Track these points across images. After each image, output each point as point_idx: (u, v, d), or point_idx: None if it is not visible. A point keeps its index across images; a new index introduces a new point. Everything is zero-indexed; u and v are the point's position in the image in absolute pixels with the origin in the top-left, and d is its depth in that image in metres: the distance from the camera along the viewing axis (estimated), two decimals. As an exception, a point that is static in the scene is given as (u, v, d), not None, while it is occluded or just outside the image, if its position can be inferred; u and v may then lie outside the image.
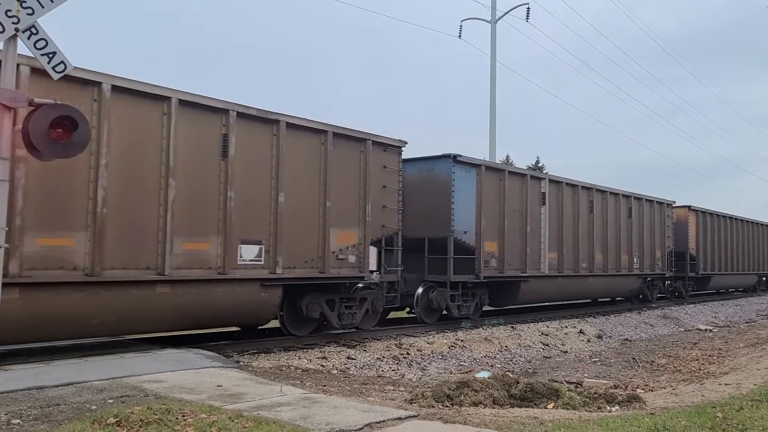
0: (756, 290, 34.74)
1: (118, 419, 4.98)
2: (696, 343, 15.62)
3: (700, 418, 6.04)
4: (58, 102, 5.77)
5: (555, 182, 17.97)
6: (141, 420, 4.97)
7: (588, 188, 19.23)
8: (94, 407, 5.74)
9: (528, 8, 28.05)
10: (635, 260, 21.41)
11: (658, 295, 24.48)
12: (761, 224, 34.25)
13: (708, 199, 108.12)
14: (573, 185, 18.59)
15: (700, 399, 7.52)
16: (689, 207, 25.71)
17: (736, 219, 30.08)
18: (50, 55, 5.65)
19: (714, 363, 12.39)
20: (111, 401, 6.00)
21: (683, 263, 25.96)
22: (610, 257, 19.97)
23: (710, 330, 18.77)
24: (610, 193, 20.28)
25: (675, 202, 24.76)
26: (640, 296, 23.49)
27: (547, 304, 19.66)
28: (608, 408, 7.36)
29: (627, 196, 21.14)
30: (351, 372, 10.03)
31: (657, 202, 23.10)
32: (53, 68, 5.68)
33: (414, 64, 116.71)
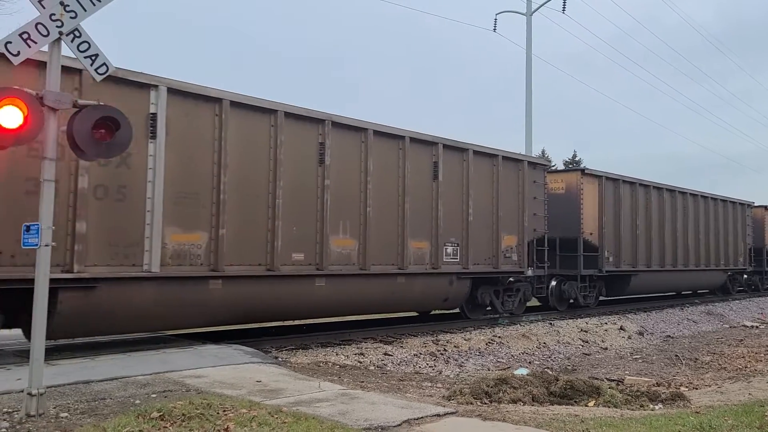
0: (729, 292, 27.84)
1: (161, 413, 5.08)
2: (742, 340, 15.18)
3: (748, 417, 5.86)
4: (101, 103, 5.88)
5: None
6: (183, 414, 5.06)
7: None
8: (138, 401, 5.87)
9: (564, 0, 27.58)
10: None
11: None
12: None
13: (757, 192, 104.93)
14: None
15: (747, 397, 7.30)
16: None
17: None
18: (93, 58, 5.77)
19: (761, 361, 12.02)
20: (154, 396, 6.13)
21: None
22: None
23: (757, 327, 18.22)
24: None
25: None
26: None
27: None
28: (651, 406, 7.21)
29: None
30: (388, 368, 10.04)
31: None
32: (96, 70, 5.80)
33: (450, 58, 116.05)
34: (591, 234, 17.39)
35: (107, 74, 5.87)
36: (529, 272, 15.25)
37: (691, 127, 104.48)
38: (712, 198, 23.18)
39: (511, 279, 15.13)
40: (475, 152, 13.69)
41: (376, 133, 11.68)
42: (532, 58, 26.71)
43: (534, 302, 17.39)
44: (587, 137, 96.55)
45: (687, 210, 21.46)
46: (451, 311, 14.86)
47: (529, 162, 15.31)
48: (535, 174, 15.36)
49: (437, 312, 15.59)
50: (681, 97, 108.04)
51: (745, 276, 27.36)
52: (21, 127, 5.27)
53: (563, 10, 27.49)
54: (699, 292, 25.26)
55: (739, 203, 25.50)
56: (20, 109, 5.25)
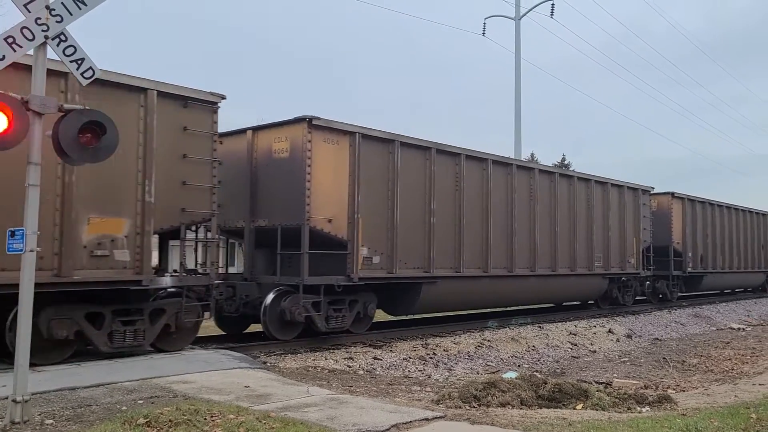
0: (765, 290, 29.93)
1: (147, 420, 5.04)
2: (728, 343, 15.30)
3: (734, 420, 5.90)
4: (87, 107, 5.85)
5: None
6: (170, 420, 5.03)
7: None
8: (124, 408, 5.83)
9: (552, 4, 27.75)
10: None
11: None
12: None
13: (742, 194, 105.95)
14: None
15: (733, 400, 7.35)
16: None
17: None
18: (79, 62, 5.73)
19: (747, 363, 12.12)
20: (141, 402, 6.09)
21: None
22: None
23: (743, 329, 18.37)
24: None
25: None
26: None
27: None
28: (638, 409, 7.24)
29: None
30: (377, 372, 10.03)
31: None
32: (82, 74, 5.77)
33: (440, 62, 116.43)
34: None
35: (93, 78, 5.84)
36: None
37: (679, 132, 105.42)
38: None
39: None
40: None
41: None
42: (521, 63, 26.88)
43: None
44: (577, 141, 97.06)
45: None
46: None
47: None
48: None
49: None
50: (670, 102, 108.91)
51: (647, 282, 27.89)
52: (5, 131, 5.24)
53: (551, 15, 27.65)
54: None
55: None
56: (4, 113, 5.21)
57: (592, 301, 19.42)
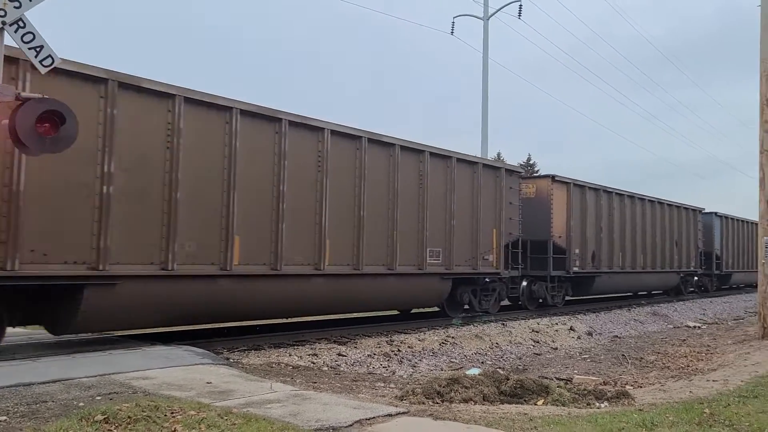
0: (681, 293, 27.05)
1: (106, 416, 4.94)
2: (684, 340, 15.71)
3: (688, 414, 6.08)
4: (45, 96, 5.70)
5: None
6: (129, 417, 4.94)
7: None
8: (81, 404, 5.69)
9: (520, 5, 28.05)
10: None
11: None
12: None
13: (702, 197, 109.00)
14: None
15: (688, 395, 7.56)
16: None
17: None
18: (37, 49, 5.59)
19: (702, 360, 12.46)
20: (99, 398, 5.96)
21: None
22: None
23: (699, 327, 18.88)
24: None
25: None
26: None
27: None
28: (597, 404, 7.38)
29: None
30: (342, 369, 10.02)
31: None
32: (41, 62, 5.62)
33: (409, 60, 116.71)
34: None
35: (53, 66, 5.70)
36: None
37: (642, 136, 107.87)
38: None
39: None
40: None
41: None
42: (488, 63, 27.08)
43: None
44: (542, 142, 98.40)
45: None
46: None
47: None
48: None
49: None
50: (634, 106, 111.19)
51: (696, 278, 28.55)
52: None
53: (519, 16, 27.96)
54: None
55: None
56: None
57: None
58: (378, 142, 12.67)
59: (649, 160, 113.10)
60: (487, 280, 15.96)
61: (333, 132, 11.68)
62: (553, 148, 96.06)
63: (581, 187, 19.28)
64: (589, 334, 16.00)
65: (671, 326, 19.10)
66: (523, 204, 17.01)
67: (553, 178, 18.31)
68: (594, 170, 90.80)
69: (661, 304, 23.24)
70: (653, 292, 26.82)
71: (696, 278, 28.60)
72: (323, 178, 11.50)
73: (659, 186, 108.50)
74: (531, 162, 52.71)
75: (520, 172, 17.24)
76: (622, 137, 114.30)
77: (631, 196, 22.00)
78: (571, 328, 15.97)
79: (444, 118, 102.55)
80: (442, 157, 14.15)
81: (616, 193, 21.05)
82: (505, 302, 17.87)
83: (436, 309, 15.76)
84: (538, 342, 14.18)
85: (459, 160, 14.49)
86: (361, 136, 12.28)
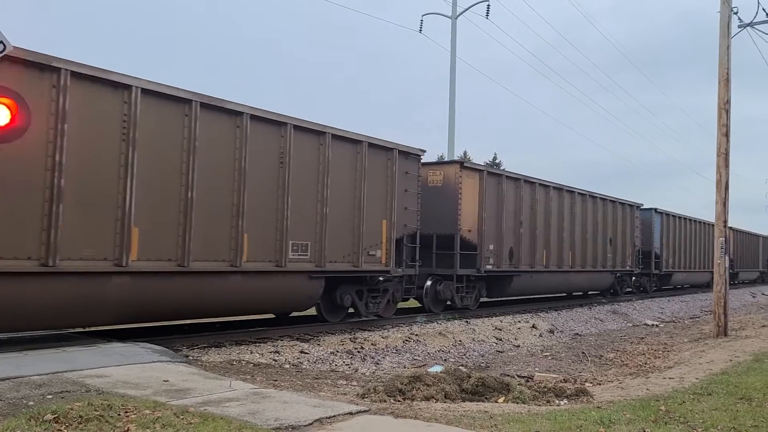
0: (617, 294, 25.68)
1: (56, 416, 4.79)
2: (643, 338, 16.04)
3: (645, 411, 6.19)
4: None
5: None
6: (80, 416, 4.79)
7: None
8: (31, 403, 5.50)
9: (488, 5, 28.27)
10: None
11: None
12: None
13: (660, 198, 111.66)
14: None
15: (645, 392, 7.69)
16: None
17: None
18: (-12, 35, 5.39)
19: (659, 357, 12.73)
20: (50, 397, 5.77)
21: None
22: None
23: (657, 325, 19.32)
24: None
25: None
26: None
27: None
28: (557, 402, 7.46)
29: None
30: (304, 366, 9.93)
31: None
32: (-9, 48, 5.42)
33: (377, 57, 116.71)
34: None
35: (4, 54, 5.49)
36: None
37: (604, 137, 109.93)
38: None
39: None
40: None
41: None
42: (456, 62, 27.22)
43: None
44: (508, 142, 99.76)
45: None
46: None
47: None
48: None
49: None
50: (597, 108, 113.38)
51: (633, 278, 27.00)
52: None
53: (486, 15, 28.17)
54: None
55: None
56: None
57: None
58: (216, 108, 10.14)
59: (611, 160, 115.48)
60: (381, 279, 13.70)
61: (143, 90, 9.19)
62: (519, 148, 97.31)
63: (497, 175, 17.47)
64: (551, 332, 16.21)
65: (630, 324, 19.48)
66: (429, 193, 15.38)
67: (461, 164, 16.36)
68: (558, 169, 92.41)
69: (621, 303, 23.69)
70: (590, 293, 25.05)
71: (633, 278, 27.01)
72: (128, 148, 9.02)
73: (620, 186, 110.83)
74: (497, 161, 53.24)
75: (418, 155, 14.43)
76: (586, 138, 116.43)
77: (558, 188, 19.81)
78: (534, 326, 16.15)
79: (412, 116, 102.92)
80: (312, 132, 11.73)
81: (540, 184, 18.94)
82: (415, 304, 16.44)
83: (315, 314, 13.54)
84: (500, 340, 14.30)
85: (336, 137, 12.14)
86: (191, 99, 9.76)
